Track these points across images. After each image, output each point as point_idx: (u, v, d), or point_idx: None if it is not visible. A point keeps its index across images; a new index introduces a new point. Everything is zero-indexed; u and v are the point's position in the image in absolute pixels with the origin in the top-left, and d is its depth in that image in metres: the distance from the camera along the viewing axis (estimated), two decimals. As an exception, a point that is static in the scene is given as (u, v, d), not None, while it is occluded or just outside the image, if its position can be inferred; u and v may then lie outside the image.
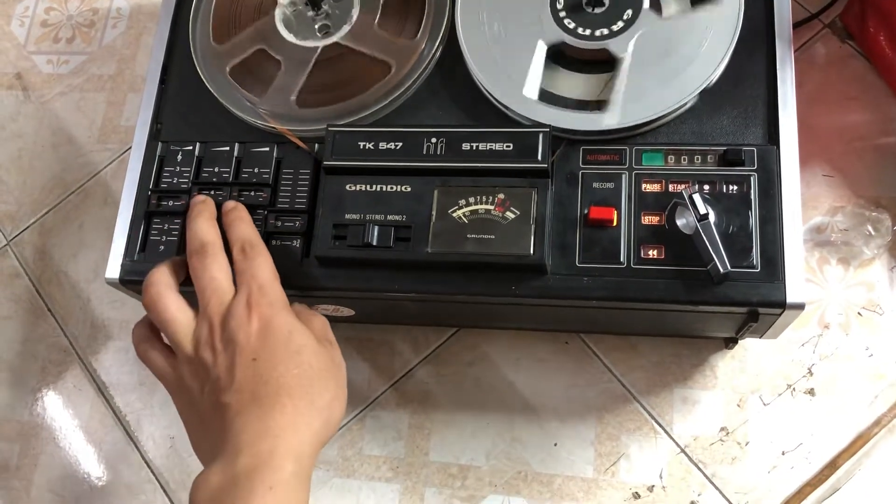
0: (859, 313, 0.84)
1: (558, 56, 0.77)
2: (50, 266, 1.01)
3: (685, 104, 0.73)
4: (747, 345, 0.84)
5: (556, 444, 0.84)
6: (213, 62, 0.82)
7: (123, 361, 0.95)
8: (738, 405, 0.83)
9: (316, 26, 0.81)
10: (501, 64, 0.75)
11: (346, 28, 0.80)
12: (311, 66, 0.80)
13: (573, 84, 0.76)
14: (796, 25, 0.94)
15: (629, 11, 0.75)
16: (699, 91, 0.72)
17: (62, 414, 0.95)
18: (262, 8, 0.83)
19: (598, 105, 0.74)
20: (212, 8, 0.84)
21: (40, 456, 0.94)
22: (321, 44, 0.80)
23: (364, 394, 0.89)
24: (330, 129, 0.75)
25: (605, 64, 0.75)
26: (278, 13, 0.82)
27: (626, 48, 0.74)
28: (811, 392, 0.82)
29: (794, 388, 0.83)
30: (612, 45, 0.75)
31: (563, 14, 0.76)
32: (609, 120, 0.72)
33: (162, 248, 0.77)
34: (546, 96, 0.75)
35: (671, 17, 0.76)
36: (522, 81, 0.75)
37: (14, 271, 1.02)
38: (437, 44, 0.78)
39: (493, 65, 0.76)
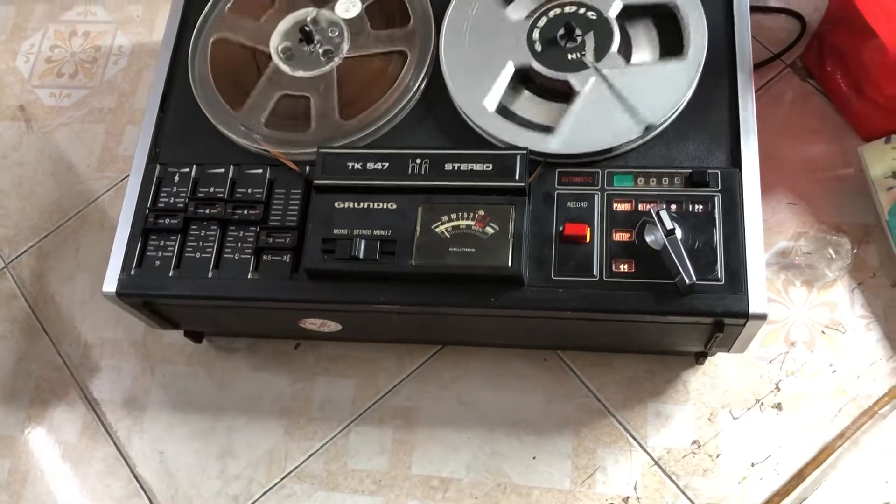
0: (823, 332, 0.88)
1: (527, 80, 0.82)
2: (46, 288, 1.04)
3: (652, 131, 0.78)
4: (717, 361, 0.88)
5: (534, 458, 0.87)
6: (229, 117, 0.86)
7: (115, 379, 0.98)
8: (709, 419, 0.86)
9: (320, 52, 0.87)
10: (473, 80, 0.81)
11: (346, 45, 0.86)
12: (336, 85, 0.85)
13: (535, 108, 0.82)
14: (761, 65, 1.00)
15: (597, 51, 0.81)
16: (647, 133, 0.77)
17: (54, 430, 0.97)
18: (258, 61, 0.88)
19: (552, 129, 0.78)
20: (208, 70, 0.88)
21: (30, 471, 0.95)
22: (332, 66, 0.86)
23: (349, 409, 0.92)
24: (321, 150, 0.80)
25: (564, 94, 0.81)
26: (277, 59, 0.87)
27: (585, 84, 0.80)
28: (778, 406, 0.86)
29: (762, 403, 0.86)
30: (573, 79, 0.80)
31: (536, 42, 0.82)
32: (551, 143, 0.77)
33: (158, 262, 0.81)
34: (509, 115, 0.80)
35: (636, 66, 0.81)
36: (486, 95, 0.80)
37: (11, 293, 1.05)
38: (422, 75, 0.83)
39: (467, 82, 0.81)
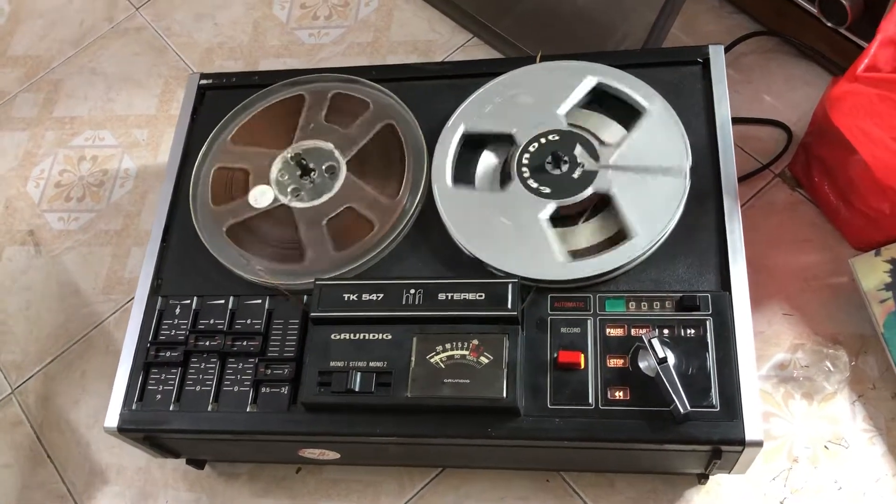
0: (826, 447, 0.87)
1: (560, 219, 0.83)
2: (52, 413, 1.05)
3: (643, 255, 0.79)
4: (720, 479, 0.87)
5: (539, 584, 0.86)
6: (211, 223, 0.89)
7: (118, 507, 0.98)
8: (715, 541, 0.85)
9: (290, 187, 0.89)
10: (526, 253, 0.80)
11: (335, 190, 0.89)
12: (255, 212, 0.88)
13: (589, 232, 0.83)
14: (749, 175, 1.02)
15: (590, 155, 0.84)
16: (655, 243, 0.79)
17: (56, 562, 0.97)
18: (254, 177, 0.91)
19: (624, 235, 0.80)
20: (210, 180, 0.92)
21: None
22: (280, 200, 0.88)
23: (351, 536, 0.91)
24: (317, 282, 0.81)
25: (599, 206, 0.83)
26: (276, 164, 0.91)
27: (609, 184, 0.82)
28: (785, 526, 0.85)
29: (768, 523, 0.85)
30: (598, 187, 0.82)
31: (541, 188, 0.83)
32: (640, 242, 0.78)
33: (159, 397, 0.82)
34: (580, 254, 0.81)
35: (622, 143, 0.84)
36: (553, 254, 0.80)
37: (16, 419, 1.05)
38: (415, 204, 0.85)
39: (517, 258, 0.81)
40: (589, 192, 0.82)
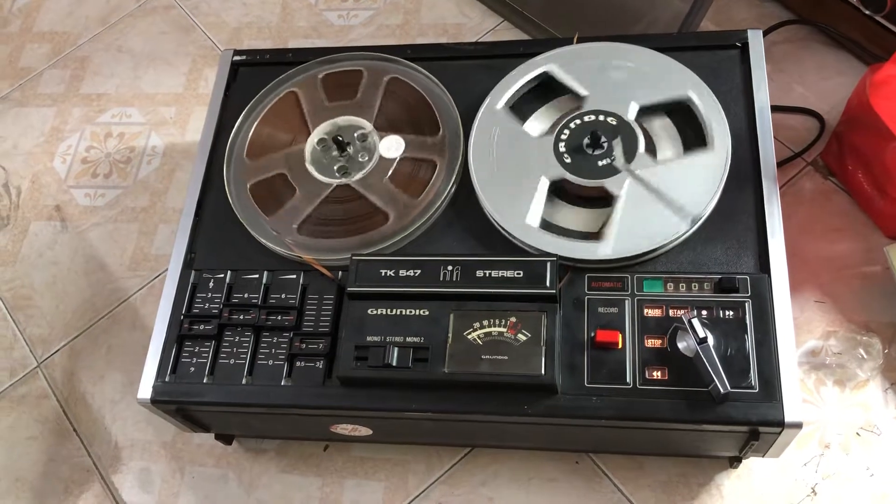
0: (858, 433, 0.87)
1: (561, 191, 0.84)
2: (77, 387, 1.05)
3: (681, 236, 0.79)
4: (751, 464, 0.87)
5: (568, 565, 0.86)
6: (246, 197, 0.89)
7: (144, 481, 0.98)
8: (746, 525, 0.85)
9: (335, 166, 0.89)
10: (510, 198, 0.82)
11: (359, 174, 0.88)
12: (319, 201, 0.87)
13: (575, 217, 0.83)
14: (782, 163, 1.02)
15: (626, 154, 0.83)
16: (693, 225, 0.79)
17: (81, 534, 0.97)
18: (294, 140, 0.92)
19: (600, 236, 0.80)
20: (248, 139, 0.93)
21: (57, 577, 0.95)
22: (335, 182, 0.88)
23: (379, 514, 0.91)
24: (354, 257, 0.81)
25: (602, 200, 0.83)
26: (308, 149, 0.90)
27: (622, 187, 0.81)
28: (816, 512, 0.84)
29: (799, 508, 0.85)
30: (609, 184, 0.82)
31: (565, 154, 0.84)
32: (603, 250, 0.79)
33: (192, 369, 0.82)
34: (552, 228, 0.82)
35: (665, 162, 0.83)
36: (526, 213, 0.81)
37: (43, 392, 1.05)
38: (451, 182, 0.85)
39: (502, 200, 0.83)
40: (597, 183, 0.82)
